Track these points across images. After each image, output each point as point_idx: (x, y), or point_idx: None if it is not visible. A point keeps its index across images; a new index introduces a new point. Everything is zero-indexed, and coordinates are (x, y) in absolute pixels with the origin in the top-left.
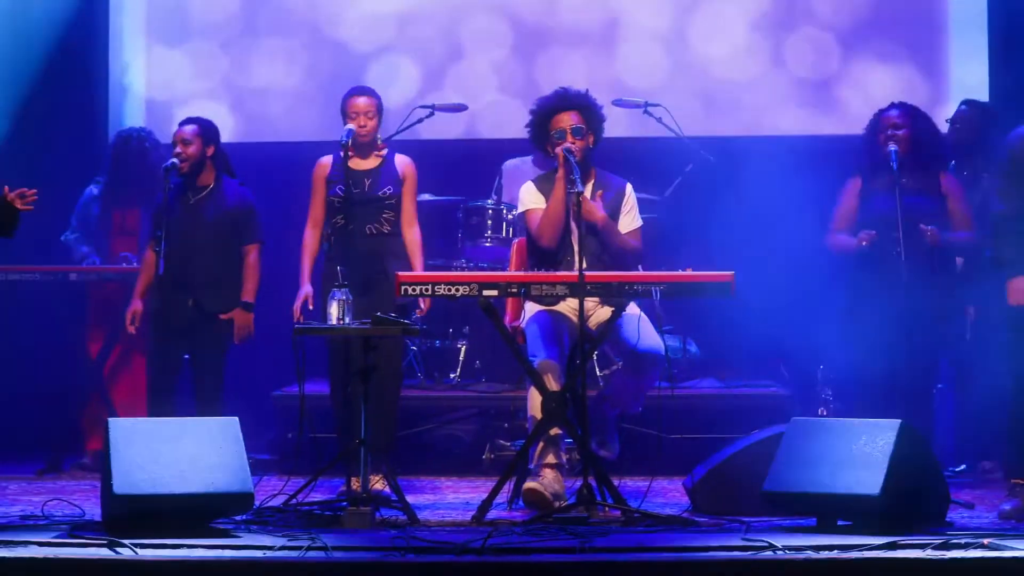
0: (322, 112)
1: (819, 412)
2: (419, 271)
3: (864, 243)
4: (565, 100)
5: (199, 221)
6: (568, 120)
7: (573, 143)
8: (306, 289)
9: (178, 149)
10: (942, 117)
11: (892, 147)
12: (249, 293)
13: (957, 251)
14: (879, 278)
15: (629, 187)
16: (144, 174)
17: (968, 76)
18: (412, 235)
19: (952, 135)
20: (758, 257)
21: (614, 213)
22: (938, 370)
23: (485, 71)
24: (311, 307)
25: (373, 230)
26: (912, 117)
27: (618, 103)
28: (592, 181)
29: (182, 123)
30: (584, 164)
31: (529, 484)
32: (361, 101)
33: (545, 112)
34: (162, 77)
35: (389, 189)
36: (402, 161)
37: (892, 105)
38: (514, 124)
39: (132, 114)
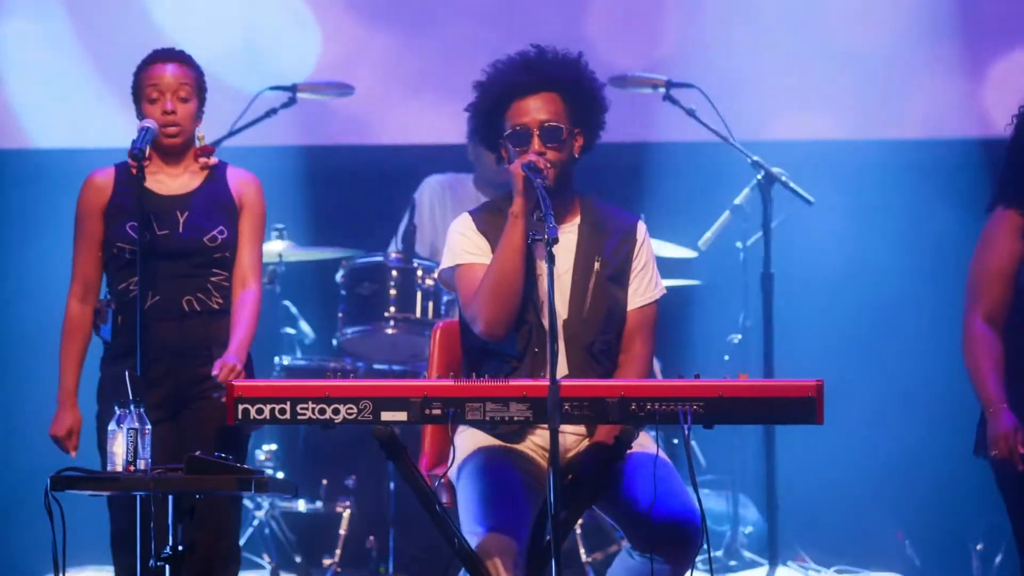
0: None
1: None
2: (236, 353)
3: None
4: (535, 73)
5: None
6: (538, 109)
7: (543, 152)
8: (69, 418)
9: None
10: None
11: None
12: None
13: None
14: None
15: (642, 228)
16: None
17: None
18: (246, 297)
19: None
20: (862, 350)
21: (618, 273)
22: None
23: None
24: (70, 437)
25: (195, 305)
26: None
27: (618, 82)
28: (577, 218)
29: None
30: (561, 188)
31: None
32: (168, 71)
33: (499, 92)
34: None
35: (222, 231)
36: (240, 180)
37: None
38: (444, 122)
39: None
